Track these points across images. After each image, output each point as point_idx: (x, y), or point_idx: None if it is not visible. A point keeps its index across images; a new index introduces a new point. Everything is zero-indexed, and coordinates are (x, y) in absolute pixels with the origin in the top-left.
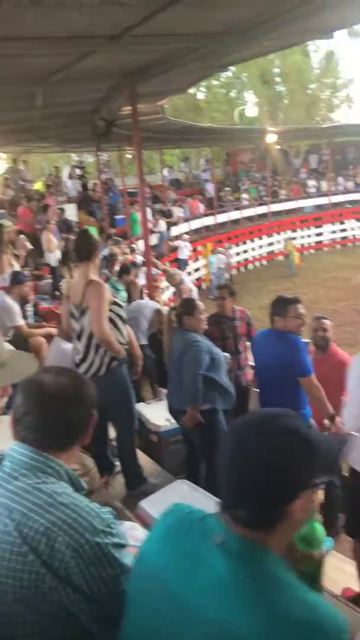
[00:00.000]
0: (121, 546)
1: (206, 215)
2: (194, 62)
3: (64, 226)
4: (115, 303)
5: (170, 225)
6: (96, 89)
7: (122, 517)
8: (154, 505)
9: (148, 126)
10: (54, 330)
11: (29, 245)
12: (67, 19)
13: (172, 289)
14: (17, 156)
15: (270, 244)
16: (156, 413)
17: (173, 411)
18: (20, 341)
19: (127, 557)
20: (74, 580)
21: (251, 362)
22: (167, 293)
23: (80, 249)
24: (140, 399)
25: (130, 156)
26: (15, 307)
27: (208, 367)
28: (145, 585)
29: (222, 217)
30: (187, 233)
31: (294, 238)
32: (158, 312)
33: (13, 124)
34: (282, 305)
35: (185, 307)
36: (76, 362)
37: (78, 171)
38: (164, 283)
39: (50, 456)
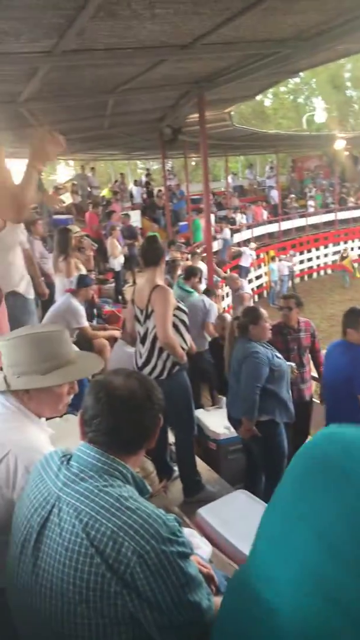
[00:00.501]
0: (186, 555)
1: (270, 222)
2: (264, 69)
3: (128, 232)
4: (179, 308)
5: (233, 232)
6: (165, 97)
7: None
8: (212, 513)
9: (214, 133)
10: (117, 333)
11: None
12: (141, 30)
13: (231, 297)
14: (86, 163)
15: (336, 253)
16: (215, 420)
17: (232, 420)
18: (84, 342)
19: (192, 567)
20: (139, 586)
21: (314, 374)
22: (226, 300)
23: (148, 255)
24: (199, 406)
25: (194, 163)
26: (81, 309)
27: (268, 379)
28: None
29: (286, 225)
30: (249, 240)
31: (352, 249)
32: (221, 318)
33: (84, 132)
34: (355, 317)
35: (250, 315)
36: (138, 366)
37: (144, 178)
38: (223, 290)
39: (118, 459)
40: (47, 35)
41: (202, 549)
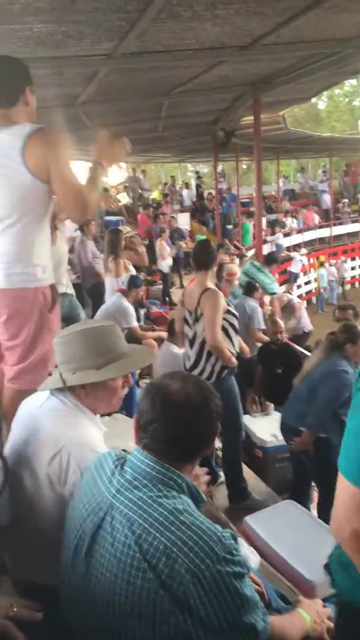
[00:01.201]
0: (242, 575)
1: (321, 227)
2: (324, 69)
3: (176, 234)
4: (229, 312)
5: (283, 235)
6: (220, 99)
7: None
8: (260, 522)
9: (267, 136)
10: (164, 334)
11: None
12: (201, 31)
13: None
14: (137, 166)
15: None
16: (262, 427)
17: (286, 427)
18: (133, 343)
19: (248, 588)
20: (192, 605)
21: None
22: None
23: (199, 258)
24: (246, 412)
25: (245, 166)
26: (131, 309)
27: (343, 403)
28: None
29: (338, 230)
30: (300, 245)
31: None
32: (273, 322)
33: (137, 134)
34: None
35: (350, 333)
36: (186, 368)
37: (194, 181)
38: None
39: (173, 468)
40: (109, 38)
41: (250, 558)
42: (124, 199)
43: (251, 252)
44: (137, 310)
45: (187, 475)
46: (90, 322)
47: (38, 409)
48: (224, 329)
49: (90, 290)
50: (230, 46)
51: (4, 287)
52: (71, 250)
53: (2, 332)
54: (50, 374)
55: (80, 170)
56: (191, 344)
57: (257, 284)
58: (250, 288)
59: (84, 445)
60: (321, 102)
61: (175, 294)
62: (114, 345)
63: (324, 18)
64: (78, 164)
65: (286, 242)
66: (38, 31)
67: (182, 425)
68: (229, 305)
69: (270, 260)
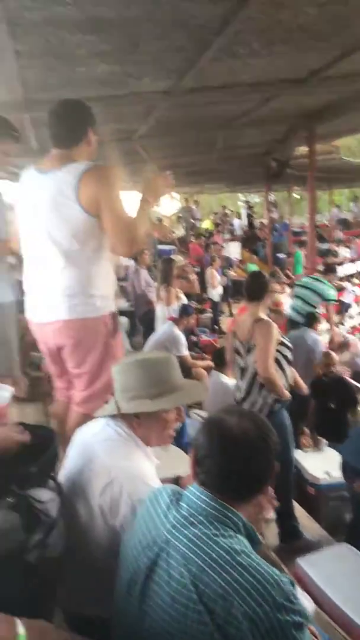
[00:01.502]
0: (302, 626)
1: None
2: None
3: (225, 263)
4: (282, 344)
5: (335, 265)
6: (273, 130)
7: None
8: (314, 566)
9: (321, 166)
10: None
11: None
12: (258, 67)
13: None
14: (190, 196)
15: None
16: (315, 463)
17: (348, 467)
18: (183, 371)
19: (307, 638)
20: None
21: None
22: (325, 336)
23: (252, 289)
24: (298, 446)
25: (298, 196)
26: (182, 337)
27: None
28: None
29: None
30: (353, 275)
31: None
32: (327, 354)
33: (190, 166)
34: None
35: None
36: (237, 400)
37: (244, 210)
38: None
39: (229, 505)
40: (168, 76)
41: (304, 605)
42: (179, 231)
43: None
44: (187, 338)
45: (243, 514)
46: (147, 353)
47: (93, 438)
48: (277, 361)
49: (142, 318)
50: (286, 80)
51: (67, 319)
52: (125, 278)
53: (69, 361)
54: (106, 402)
55: (134, 201)
56: (242, 375)
57: (318, 315)
58: (311, 319)
59: (136, 478)
60: None
61: (224, 323)
62: (169, 377)
63: None
64: (133, 195)
65: (339, 271)
66: (101, 72)
67: (238, 461)
68: (282, 337)
69: (328, 270)
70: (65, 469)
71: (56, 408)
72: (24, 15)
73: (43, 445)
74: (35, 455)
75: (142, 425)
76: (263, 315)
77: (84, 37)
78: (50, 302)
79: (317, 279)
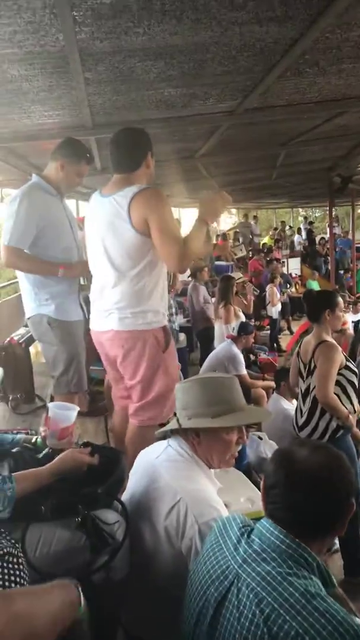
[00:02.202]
0: None
1: None
2: None
3: (283, 279)
4: (347, 368)
5: None
6: (337, 146)
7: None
8: None
9: None
10: (274, 384)
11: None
12: (325, 85)
13: None
14: (248, 211)
15: None
16: None
17: None
18: (242, 391)
19: None
20: None
21: None
22: None
23: (312, 310)
24: None
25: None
26: (240, 356)
27: None
28: None
29: None
30: None
31: None
32: None
33: (251, 182)
34: None
35: None
36: (298, 425)
37: (303, 225)
38: None
39: (303, 544)
40: (232, 96)
41: None
42: (241, 252)
43: None
44: (246, 357)
45: (316, 553)
46: (211, 372)
47: (156, 459)
48: (341, 386)
49: (200, 334)
50: (353, 97)
51: (118, 329)
52: (184, 293)
53: (123, 372)
54: (168, 421)
55: (191, 216)
56: (304, 398)
57: None
58: None
59: (202, 500)
60: None
61: (284, 340)
62: (231, 397)
63: None
64: (193, 212)
65: None
66: (168, 95)
67: (306, 495)
68: (348, 361)
69: None
70: (129, 491)
71: (114, 421)
72: (95, 45)
73: (109, 466)
74: (101, 476)
75: (202, 445)
76: (327, 337)
77: (152, 64)
78: (105, 313)
79: None
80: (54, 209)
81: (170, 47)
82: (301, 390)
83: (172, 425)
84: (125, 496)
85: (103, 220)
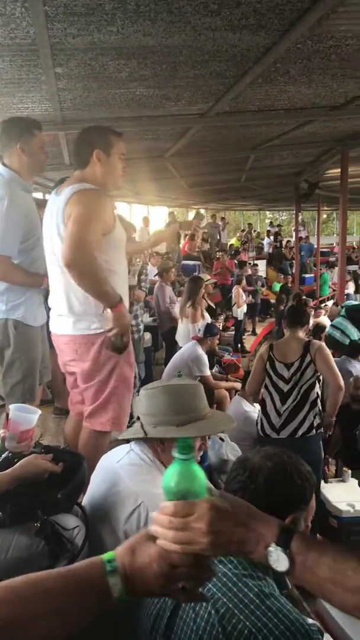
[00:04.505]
0: None
1: None
2: None
3: (259, 281)
4: None
5: None
6: (306, 153)
7: (299, 610)
8: None
9: (352, 187)
10: (238, 385)
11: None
12: (295, 93)
13: None
14: (217, 212)
15: None
16: (338, 495)
17: None
18: (205, 391)
19: None
20: None
21: None
22: None
23: (294, 317)
24: (323, 476)
25: (325, 216)
26: (205, 357)
27: None
28: None
29: None
30: None
31: None
32: (357, 379)
33: (220, 184)
34: None
35: None
36: (276, 427)
37: (271, 228)
38: None
39: None
40: (204, 99)
41: None
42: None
43: (330, 302)
44: (209, 358)
45: None
46: (177, 379)
47: (117, 464)
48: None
49: (165, 334)
50: (322, 106)
51: (72, 334)
52: (150, 292)
53: (77, 375)
54: (130, 425)
55: (160, 214)
56: (285, 398)
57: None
58: (355, 349)
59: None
60: None
61: (248, 341)
62: (196, 405)
63: None
64: (159, 209)
65: None
66: (140, 94)
67: (258, 496)
68: None
69: (315, 331)
70: (89, 495)
71: (66, 427)
72: (67, 41)
73: (70, 471)
74: (61, 481)
75: (165, 451)
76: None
77: (124, 63)
78: (59, 318)
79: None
80: (33, 209)
81: (143, 47)
82: (280, 391)
83: (137, 433)
84: (85, 500)
85: (53, 220)
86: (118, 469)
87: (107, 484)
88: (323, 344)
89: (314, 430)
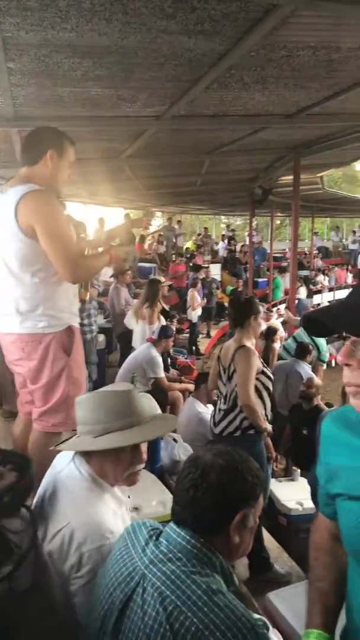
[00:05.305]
0: None
1: (353, 286)
2: None
3: (214, 284)
4: (264, 373)
5: (313, 293)
6: (260, 159)
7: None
8: (285, 602)
9: (304, 195)
10: (191, 387)
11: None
12: (249, 100)
13: None
14: (173, 215)
15: None
16: (288, 493)
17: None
18: (159, 393)
19: None
20: None
21: None
22: None
23: (236, 315)
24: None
25: (278, 222)
26: (159, 359)
27: None
28: None
29: None
30: (330, 302)
31: None
32: (310, 379)
33: (176, 187)
34: None
35: None
36: (215, 422)
37: (226, 232)
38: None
39: (208, 543)
40: (161, 102)
41: None
42: (161, 249)
43: (282, 306)
44: (163, 359)
45: (220, 547)
46: (110, 386)
47: (59, 474)
48: (257, 390)
49: (120, 336)
50: (275, 114)
51: (19, 332)
52: (105, 294)
53: (25, 376)
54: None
55: (117, 216)
56: (224, 400)
57: (311, 346)
58: (303, 351)
59: (90, 524)
60: (358, 164)
61: (203, 344)
62: (130, 410)
63: None
64: (115, 210)
65: (317, 299)
66: (95, 94)
67: (206, 496)
68: (264, 367)
69: (269, 334)
70: (36, 499)
71: (15, 429)
72: (20, 36)
73: (17, 473)
74: (9, 484)
75: (93, 461)
76: (247, 342)
77: (79, 61)
78: (6, 317)
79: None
80: None
81: (98, 47)
82: (221, 393)
83: (83, 445)
84: (34, 503)
85: (1, 217)
86: (58, 481)
87: (47, 495)
88: (251, 348)
89: (240, 431)
